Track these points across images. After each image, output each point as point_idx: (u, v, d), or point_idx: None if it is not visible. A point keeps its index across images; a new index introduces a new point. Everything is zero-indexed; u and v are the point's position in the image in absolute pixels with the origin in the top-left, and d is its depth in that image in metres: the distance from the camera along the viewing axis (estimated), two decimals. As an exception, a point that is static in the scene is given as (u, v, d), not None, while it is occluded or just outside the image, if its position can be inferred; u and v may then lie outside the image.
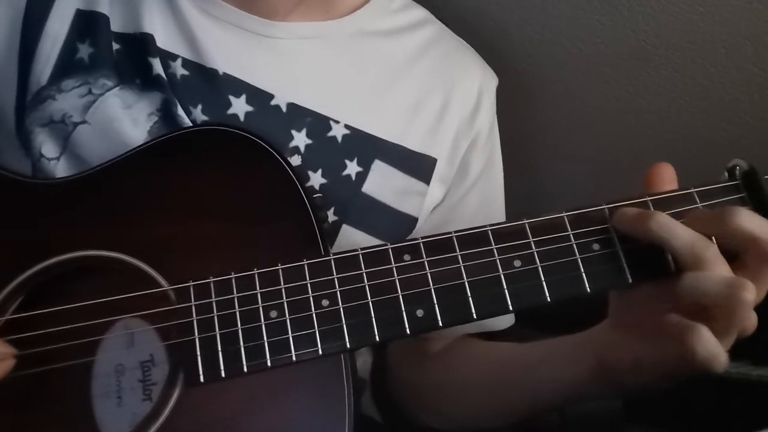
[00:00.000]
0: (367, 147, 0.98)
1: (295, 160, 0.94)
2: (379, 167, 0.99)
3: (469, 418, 1.02)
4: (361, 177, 0.98)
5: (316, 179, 0.95)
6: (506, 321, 1.09)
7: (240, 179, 0.81)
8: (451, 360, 1.05)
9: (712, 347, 0.66)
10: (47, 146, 0.90)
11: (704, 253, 0.68)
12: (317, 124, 0.96)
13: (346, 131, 0.97)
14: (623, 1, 1.28)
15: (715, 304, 0.67)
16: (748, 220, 0.68)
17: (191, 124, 0.91)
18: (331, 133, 0.97)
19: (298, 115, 0.96)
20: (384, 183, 0.99)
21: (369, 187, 0.98)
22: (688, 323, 0.67)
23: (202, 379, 0.71)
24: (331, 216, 0.96)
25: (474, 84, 1.07)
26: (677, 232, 0.69)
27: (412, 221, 1.02)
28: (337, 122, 0.97)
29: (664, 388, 0.75)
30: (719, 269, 0.68)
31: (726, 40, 1.28)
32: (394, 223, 1.01)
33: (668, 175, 0.76)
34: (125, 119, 0.90)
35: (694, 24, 1.27)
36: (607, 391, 0.82)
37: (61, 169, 0.90)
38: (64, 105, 0.91)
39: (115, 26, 0.93)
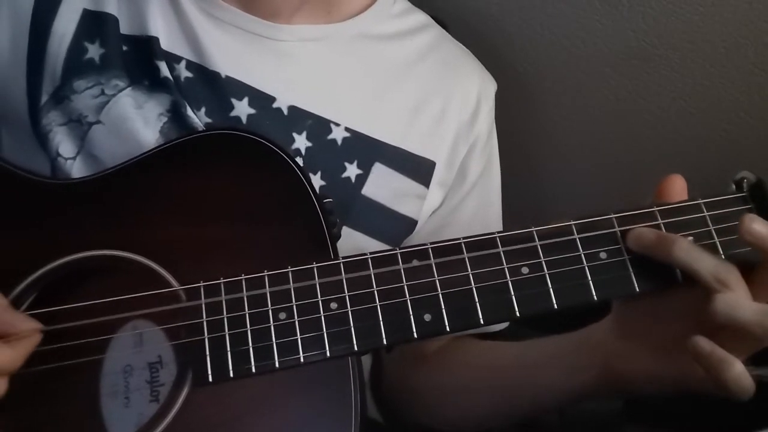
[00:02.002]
0: (367, 150, 0.99)
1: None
2: (379, 170, 0.99)
3: (466, 419, 1.03)
4: (361, 179, 0.98)
5: (316, 181, 0.95)
6: (501, 323, 1.09)
7: (250, 182, 0.81)
8: (448, 361, 1.05)
9: (745, 382, 0.68)
10: (65, 146, 0.91)
11: (728, 277, 0.69)
12: (318, 126, 0.97)
13: (347, 134, 0.98)
14: (623, 1, 1.29)
15: (746, 330, 0.68)
16: None
17: (201, 125, 0.92)
18: (331, 136, 0.97)
19: (299, 117, 0.96)
20: (384, 185, 0.99)
21: (369, 190, 0.99)
22: (724, 356, 0.68)
23: (210, 379, 0.72)
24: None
25: (473, 89, 1.07)
26: (701, 258, 0.70)
27: (411, 223, 1.03)
28: (337, 125, 0.97)
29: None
30: (743, 292, 0.69)
31: (726, 40, 1.28)
32: (393, 226, 1.01)
33: (680, 186, 0.77)
34: (137, 119, 0.91)
35: (694, 24, 1.28)
36: (610, 394, 0.83)
37: (77, 168, 0.91)
38: (78, 105, 0.91)
39: (123, 28, 0.94)
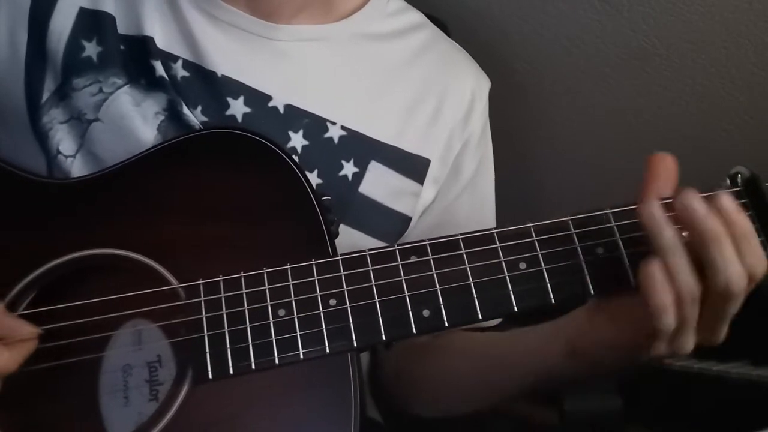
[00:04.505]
0: (363, 148, 0.99)
1: None
2: (375, 168, 1.00)
3: (456, 403, 1.04)
4: (358, 177, 0.99)
5: (313, 179, 0.95)
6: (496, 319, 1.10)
7: (249, 181, 0.82)
8: (443, 350, 1.06)
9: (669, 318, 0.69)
10: (65, 143, 0.92)
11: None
12: (314, 125, 0.97)
13: (343, 132, 0.98)
14: (623, 1, 1.29)
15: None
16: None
17: (198, 124, 0.92)
18: (327, 135, 0.98)
19: (296, 116, 0.97)
20: (380, 183, 1.00)
21: (365, 188, 0.99)
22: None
23: (210, 376, 0.72)
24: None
25: (467, 88, 1.08)
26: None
27: (406, 220, 1.04)
28: (333, 123, 0.98)
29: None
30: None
31: (726, 40, 1.29)
32: (389, 223, 1.02)
33: (670, 165, 0.76)
34: (136, 117, 0.91)
35: (694, 24, 1.28)
36: (582, 372, 0.84)
37: (76, 166, 0.91)
38: (78, 103, 0.92)
39: (120, 27, 0.94)
